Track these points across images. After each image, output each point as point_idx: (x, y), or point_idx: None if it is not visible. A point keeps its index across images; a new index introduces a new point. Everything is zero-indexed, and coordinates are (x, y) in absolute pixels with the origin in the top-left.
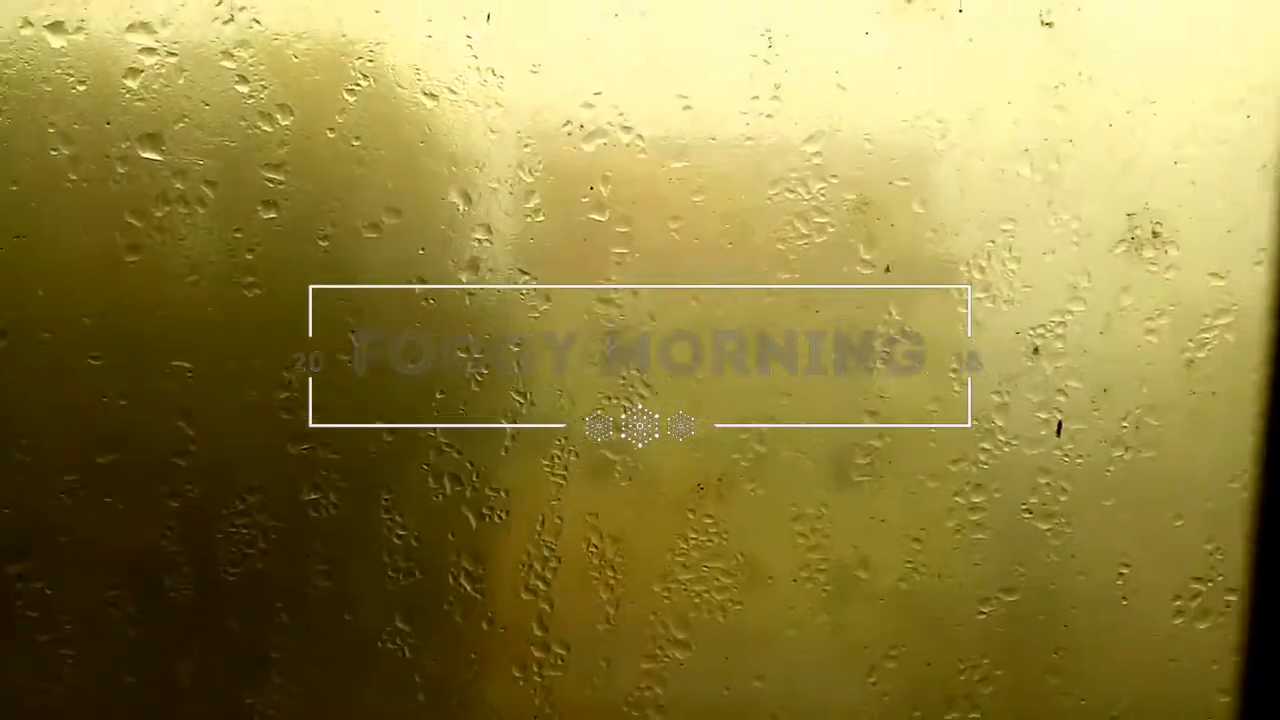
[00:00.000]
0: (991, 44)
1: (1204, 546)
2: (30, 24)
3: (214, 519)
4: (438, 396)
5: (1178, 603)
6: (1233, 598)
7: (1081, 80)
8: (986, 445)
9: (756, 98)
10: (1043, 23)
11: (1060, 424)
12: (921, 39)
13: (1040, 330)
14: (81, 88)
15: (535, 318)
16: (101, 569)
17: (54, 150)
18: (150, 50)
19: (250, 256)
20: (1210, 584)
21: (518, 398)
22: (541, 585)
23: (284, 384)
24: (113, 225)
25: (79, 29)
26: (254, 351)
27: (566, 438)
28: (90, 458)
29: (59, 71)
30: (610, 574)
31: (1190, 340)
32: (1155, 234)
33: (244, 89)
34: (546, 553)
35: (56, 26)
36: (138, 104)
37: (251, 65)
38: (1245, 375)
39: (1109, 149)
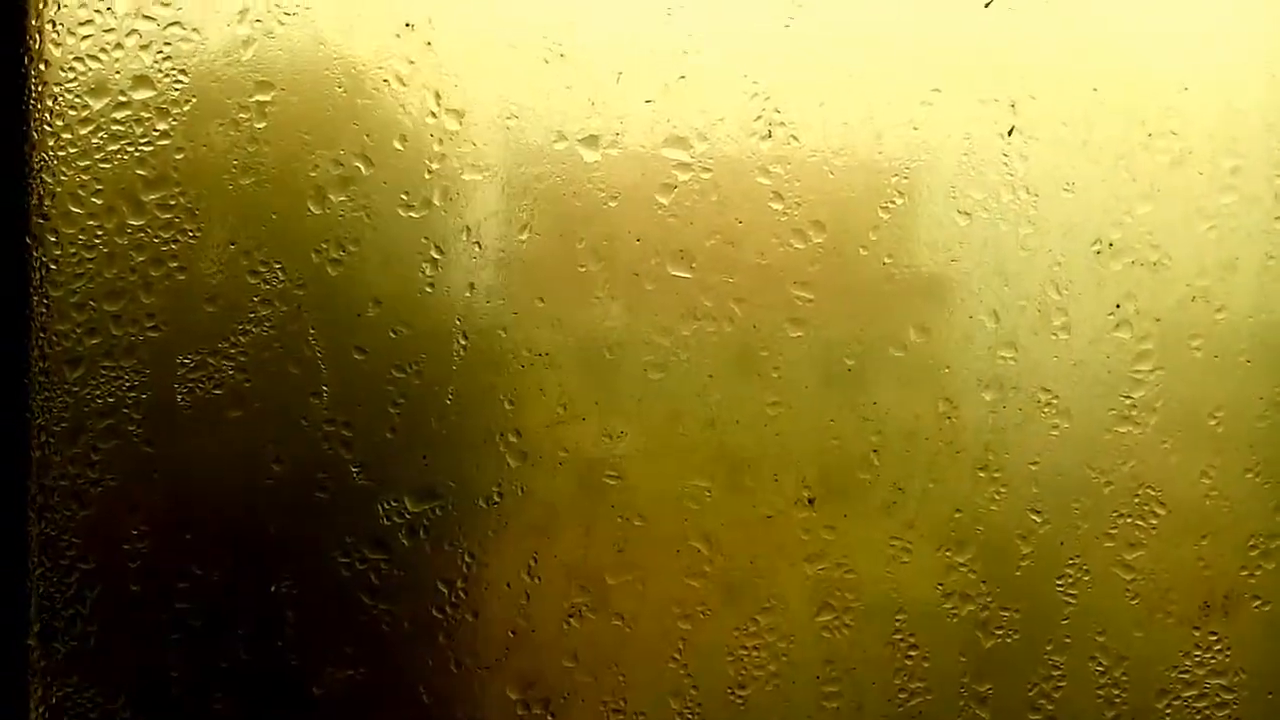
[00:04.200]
0: None
1: None
2: (564, 138)
3: (725, 636)
4: (955, 515)
5: None
6: None
7: None
8: None
9: (1278, 218)
10: None
11: None
12: None
13: None
14: (613, 203)
15: (1054, 435)
16: (609, 694)
17: (581, 267)
18: (686, 166)
19: (776, 374)
20: None
21: (1034, 517)
22: (1047, 704)
23: (804, 503)
24: (638, 341)
25: (614, 144)
26: (775, 470)
27: (1079, 556)
28: (603, 579)
29: (590, 186)
30: (1114, 691)
31: None
32: None
33: (778, 206)
34: (1054, 671)
35: (591, 141)
36: (670, 220)
37: (787, 181)
38: None
39: None
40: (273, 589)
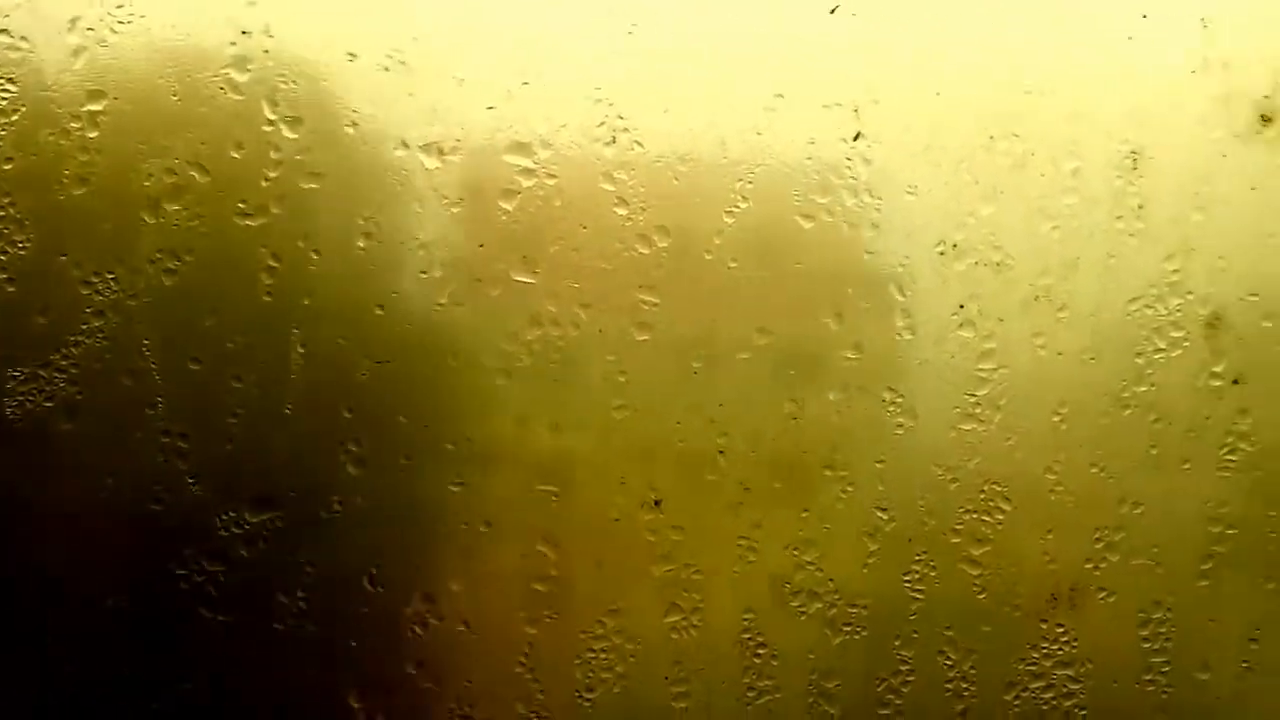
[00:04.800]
0: None
1: None
2: (405, 145)
3: (574, 641)
4: (802, 514)
5: None
6: None
7: None
8: None
9: (1120, 217)
10: None
11: None
12: (1273, 161)
13: None
14: (455, 209)
15: (900, 434)
16: (454, 702)
17: (423, 273)
18: (529, 172)
19: (622, 379)
20: None
21: (880, 515)
22: (895, 699)
23: (651, 505)
24: (483, 349)
25: (455, 150)
26: (624, 474)
27: (926, 552)
28: (447, 586)
29: (432, 193)
30: (963, 684)
31: None
32: None
33: (623, 211)
34: (902, 666)
35: (432, 148)
36: (513, 226)
37: (631, 187)
38: None
39: None
40: (108, 603)
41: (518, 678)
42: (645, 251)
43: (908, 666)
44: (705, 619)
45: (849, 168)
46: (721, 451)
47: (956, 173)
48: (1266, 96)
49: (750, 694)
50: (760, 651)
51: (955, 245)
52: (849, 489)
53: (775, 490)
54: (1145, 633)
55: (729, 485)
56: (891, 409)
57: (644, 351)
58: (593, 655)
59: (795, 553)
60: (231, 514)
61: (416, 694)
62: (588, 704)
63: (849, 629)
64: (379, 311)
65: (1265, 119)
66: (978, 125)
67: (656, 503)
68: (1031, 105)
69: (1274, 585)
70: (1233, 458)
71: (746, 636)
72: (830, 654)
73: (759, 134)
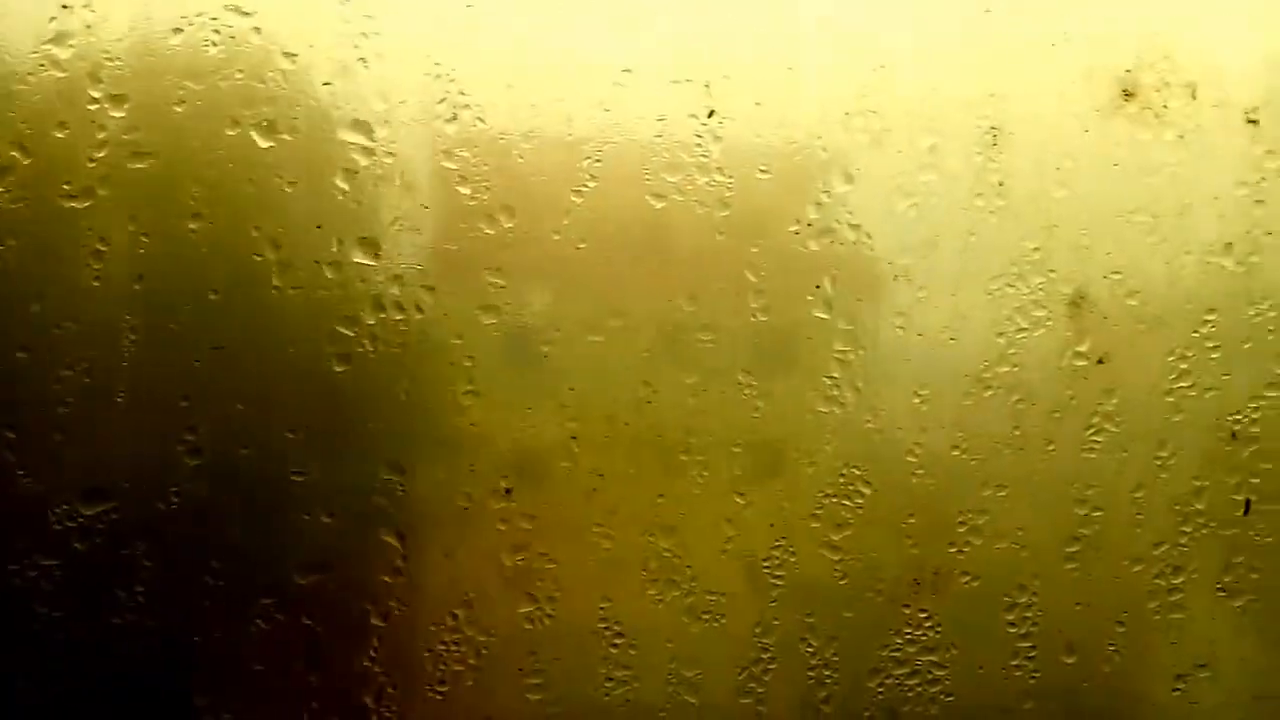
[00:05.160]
0: (1199, 141)
1: None
2: (237, 124)
3: (424, 634)
4: (658, 500)
5: None
6: None
7: None
8: (1186, 528)
9: (980, 194)
10: (1248, 120)
11: (1249, 503)
12: (1135, 136)
13: (1238, 416)
14: (290, 189)
15: (756, 416)
16: (299, 698)
17: (258, 255)
18: (367, 150)
19: (469, 364)
20: None
21: (738, 499)
22: (757, 687)
23: (501, 494)
24: (320, 335)
25: (290, 129)
26: (471, 460)
27: (785, 537)
28: (291, 579)
29: (266, 172)
30: (825, 671)
31: None
32: None
33: (466, 190)
34: (763, 654)
35: (265, 126)
36: (352, 206)
37: (474, 165)
38: None
39: None
40: None
41: (366, 672)
42: (491, 232)
43: (769, 654)
44: (560, 609)
45: (700, 145)
46: (574, 437)
47: (811, 150)
48: (1129, 70)
49: (609, 684)
50: (618, 641)
51: (810, 224)
52: (705, 474)
53: (630, 476)
54: (1011, 617)
55: (582, 472)
56: (747, 392)
57: (491, 335)
58: (444, 648)
59: (651, 539)
60: (65, 507)
61: (260, 690)
62: (439, 698)
63: (708, 617)
64: (213, 296)
65: (1127, 94)
66: (832, 101)
67: (507, 491)
68: (887, 80)
69: (1141, 567)
70: (1098, 438)
71: (603, 626)
72: (689, 642)
73: (607, 110)
